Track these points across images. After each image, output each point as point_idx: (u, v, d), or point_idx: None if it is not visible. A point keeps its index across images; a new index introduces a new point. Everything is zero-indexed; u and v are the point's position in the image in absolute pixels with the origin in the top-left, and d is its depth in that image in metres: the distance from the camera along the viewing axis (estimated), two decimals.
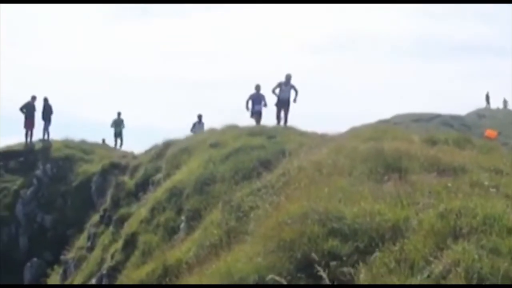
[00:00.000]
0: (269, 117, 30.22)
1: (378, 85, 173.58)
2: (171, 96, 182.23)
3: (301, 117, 29.84)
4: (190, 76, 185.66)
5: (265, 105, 30.44)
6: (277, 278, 9.46)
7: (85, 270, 25.01)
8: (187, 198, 19.26)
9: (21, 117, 38.87)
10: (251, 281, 9.80)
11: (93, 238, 27.62)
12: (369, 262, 9.27)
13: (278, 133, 23.21)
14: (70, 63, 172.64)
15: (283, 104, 29.53)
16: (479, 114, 72.95)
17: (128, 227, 22.08)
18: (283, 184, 14.68)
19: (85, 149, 40.16)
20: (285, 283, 9.45)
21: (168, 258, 15.83)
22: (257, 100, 30.44)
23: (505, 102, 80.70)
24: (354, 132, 20.86)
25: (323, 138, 20.99)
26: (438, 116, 65.33)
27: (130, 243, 20.60)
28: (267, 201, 14.05)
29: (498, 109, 78.97)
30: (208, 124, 34.05)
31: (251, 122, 29.12)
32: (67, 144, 40.08)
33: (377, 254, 9.33)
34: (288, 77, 29.59)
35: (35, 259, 32.34)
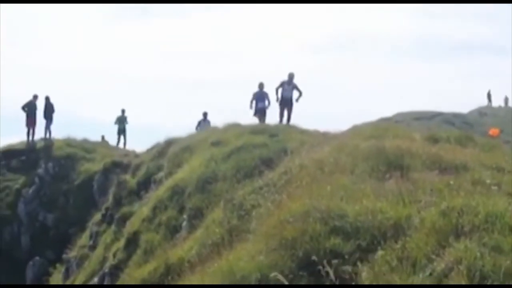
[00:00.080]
0: (272, 116, 30.23)
1: (379, 84, 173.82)
2: (172, 95, 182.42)
3: (302, 116, 29.90)
4: (191, 75, 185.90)
5: (269, 103, 30.39)
6: (280, 276, 9.46)
7: (87, 268, 25.02)
8: (189, 197, 19.26)
9: (23, 116, 38.90)
10: (253, 279, 9.81)
11: (95, 236, 27.62)
12: (371, 260, 9.27)
13: (280, 131, 23.20)
14: (70, 63, 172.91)
15: (286, 103, 29.47)
16: (481, 112, 72.93)
17: (130, 226, 22.08)
18: (285, 182, 14.68)
19: (87, 147, 40.15)
20: (286, 282, 9.46)
21: (170, 256, 15.84)
22: (260, 98, 30.39)
23: (506, 100, 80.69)
24: (356, 130, 20.84)
25: (325, 136, 20.98)
26: (439, 114, 65.26)
27: (132, 242, 20.61)
28: (269, 199, 14.05)
29: (499, 107, 78.96)
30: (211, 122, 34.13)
31: (253, 120, 29.06)
32: (69, 142, 40.07)
33: (379, 252, 9.34)
34: (291, 76, 29.53)
35: (37, 258, 32.35)
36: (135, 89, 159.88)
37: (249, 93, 30.64)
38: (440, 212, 9.64)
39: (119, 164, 34.11)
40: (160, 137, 30.63)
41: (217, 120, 34.06)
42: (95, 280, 22.62)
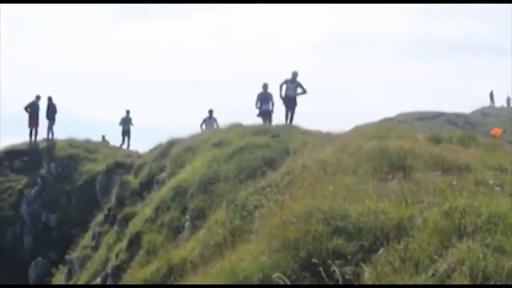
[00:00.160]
0: (276, 116, 30.21)
1: (381, 84, 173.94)
2: (173, 95, 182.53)
3: (304, 116, 29.78)
4: (191, 75, 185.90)
5: (273, 105, 30.29)
6: (282, 277, 9.46)
7: (90, 269, 25.03)
8: (192, 197, 19.27)
9: (25, 116, 38.94)
10: (255, 280, 9.81)
11: (97, 237, 27.64)
12: (373, 260, 9.27)
13: (282, 132, 23.18)
14: (71, 63, 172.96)
15: (289, 102, 29.41)
16: (484, 112, 72.95)
17: (133, 226, 22.08)
18: (288, 183, 14.68)
19: (90, 148, 40.19)
20: (288, 282, 9.46)
21: (173, 257, 15.84)
22: (264, 99, 30.29)
23: (508, 100, 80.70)
24: (359, 131, 20.84)
25: (328, 137, 20.98)
26: (442, 114, 65.30)
27: (134, 242, 20.62)
28: (271, 200, 14.05)
29: (502, 107, 78.96)
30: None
31: (256, 121, 29.01)
32: (71, 143, 40.11)
33: (381, 252, 9.33)
34: (295, 75, 29.46)
35: (39, 258, 32.38)
36: (135, 89, 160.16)
37: (250, 93, 30.89)
38: (442, 213, 9.63)
39: (121, 164, 34.11)
40: (160, 137, 30.71)
41: (218, 120, 34.20)
42: (97, 281, 22.63)
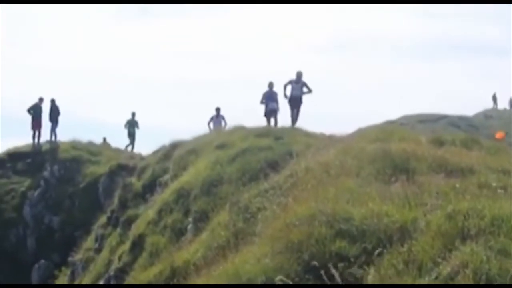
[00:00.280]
0: (282, 117, 30.14)
1: (383, 85, 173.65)
2: (175, 96, 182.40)
3: (306, 118, 29.66)
4: (192, 76, 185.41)
5: (278, 104, 30.14)
6: (285, 279, 9.47)
7: (93, 271, 25.04)
8: (195, 200, 19.27)
9: (28, 118, 38.99)
10: (258, 282, 9.80)
11: (100, 239, 27.64)
12: (377, 263, 9.27)
13: (286, 134, 23.18)
14: (72, 63, 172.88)
15: (294, 102, 29.29)
16: (486, 115, 72.87)
17: (136, 229, 22.09)
18: (291, 185, 14.68)
19: (93, 150, 40.23)
20: (290, 283, 9.46)
21: (176, 259, 15.84)
22: (270, 98, 30.13)
23: (511, 102, 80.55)
24: (361, 133, 20.84)
25: (331, 139, 20.98)
26: (445, 116, 65.21)
27: (137, 245, 20.62)
28: (274, 202, 14.05)
29: (505, 110, 78.85)
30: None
31: (261, 121, 28.92)
32: (74, 145, 40.15)
33: (385, 255, 9.34)
34: (299, 75, 29.27)
35: (42, 260, 32.40)
36: (136, 90, 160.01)
37: (250, 93, 30.84)
38: (446, 215, 9.63)
39: (124, 166, 34.15)
40: (162, 139, 30.68)
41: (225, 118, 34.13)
42: (100, 283, 22.63)
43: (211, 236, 15.30)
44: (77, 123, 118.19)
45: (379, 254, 9.46)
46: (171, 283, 14.98)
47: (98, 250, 26.93)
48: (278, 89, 30.11)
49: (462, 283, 7.98)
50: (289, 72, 29.68)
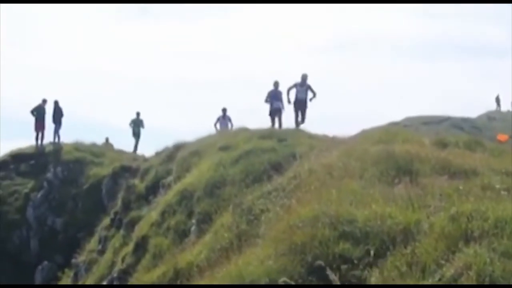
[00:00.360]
0: (286, 117, 30.08)
1: (385, 86, 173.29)
2: (175, 97, 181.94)
3: (309, 119, 29.56)
4: (193, 76, 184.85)
5: (283, 103, 30.01)
6: (289, 281, 9.47)
7: (96, 273, 25.04)
8: (198, 201, 19.27)
9: (32, 120, 39.01)
10: (262, 284, 9.82)
11: (104, 241, 27.65)
12: (380, 265, 9.27)
13: (289, 136, 23.17)
14: (71, 64, 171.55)
15: (299, 105, 29.17)
16: (490, 117, 72.68)
17: (139, 230, 22.09)
18: (294, 187, 14.68)
19: (96, 152, 40.18)
20: (292, 283, 9.48)
21: (179, 261, 15.83)
22: (275, 97, 29.99)
23: None
24: (365, 135, 20.85)
25: (334, 141, 20.97)
26: (448, 118, 65.07)
27: (141, 246, 20.63)
28: (278, 204, 14.06)
29: (508, 112, 78.68)
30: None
31: (262, 122, 28.84)
32: (77, 147, 40.11)
33: (388, 257, 9.34)
34: (304, 77, 29.11)
35: (46, 262, 32.39)
36: (136, 91, 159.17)
37: (251, 94, 30.65)
38: (449, 217, 9.64)
39: (127, 168, 34.13)
40: (165, 140, 30.64)
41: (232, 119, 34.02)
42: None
43: (215, 238, 15.30)
44: (78, 123, 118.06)
45: (383, 256, 9.46)
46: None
47: (101, 252, 26.95)
48: (282, 89, 30.07)
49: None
50: (289, 73, 29.94)
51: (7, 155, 40.40)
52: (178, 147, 28.45)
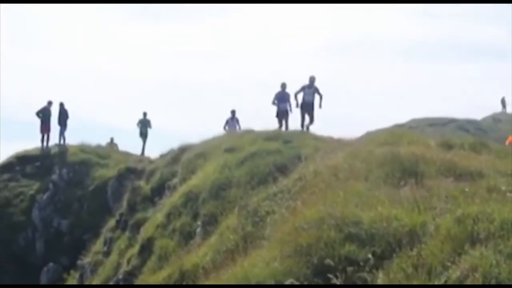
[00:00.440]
0: (292, 119, 30.03)
1: (389, 88, 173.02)
2: (176, 98, 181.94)
3: (314, 121, 29.48)
4: (194, 77, 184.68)
5: (290, 105, 29.92)
6: (295, 282, 9.48)
7: (102, 275, 25.06)
8: (203, 203, 19.28)
9: (37, 121, 39.07)
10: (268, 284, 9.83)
11: (109, 243, 27.68)
12: (386, 267, 9.27)
13: (294, 137, 23.17)
14: (72, 64, 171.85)
15: (307, 108, 29.07)
16: (495, 119, 72.60)
17: (144, 232, 22.12)
18: (299, 188, 14.69)
19: (101, 153, 40.22)
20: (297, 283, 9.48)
21: (185, 263, 15.86)
22: (282, 99, 29.91)
23: None
24: (370, 137, 20.86)
25: (339, 143, 20.96)
26: (453, 120, 65.02)
27: (146, 248, 20.65)
28: (283, 206, 14.06)
29: None
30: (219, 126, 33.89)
31: (267, 124, 28.79)
32: (83, 148, 40.16)
33: (394, 259, 9.33)
34: (312, 79, 28.96)
35: (51, 263, 32.42)
36: (137, 92, 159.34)
37: (250, 95, 30.52)
38: (455, 219, 9.62)
39: (133, 170, 34.14)
40: (166, 140, 30.65)
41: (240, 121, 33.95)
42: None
43: (220, 240, 15.31)
44: (82, 125, 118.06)
45: (388, 258, 9.46)
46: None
47: (107, 254, 26.97)
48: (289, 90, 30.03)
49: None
50: (289, 73, 29.78)
51: (12, 156, 40.48)
52: (183, 149, 28.48)
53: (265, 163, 19.34)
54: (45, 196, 36.53)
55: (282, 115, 29.74)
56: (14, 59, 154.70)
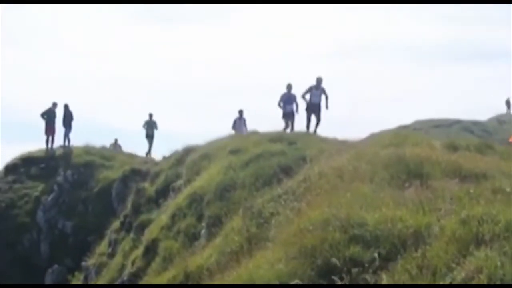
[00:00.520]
0: (299, 121, 29.95)
1: (392, 89, 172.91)
2: (177, 99, 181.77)
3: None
4: (195, 78, 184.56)
5: (297, 106, 29.78)
6: (300, 283, 9.48)
7: (106, 276, 25.07)
8: (208, 205, 19.28)
9: (42, 123, 39.09)
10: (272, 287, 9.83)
11: (114, 244, 27.69)
12: (391, 268, 9.26)
13: (299, 139, 23.17)
14: (72, 65, 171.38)
15: (314, 109, 28.91)
16: (500, 120, 72.51)
17: (149, 234, 22.13)
18: (304, 190, 14.67)
19: (106, 155, 40.25)
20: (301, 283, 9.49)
21: (189, 264, 15.84)
22: (288, 100, 29.79)
23: None
24: (375, 138, 20.86)
25: (344, 144, 20.96)
26: (458, 122, 64.98)
27: (151, 250, 20.65)
28: (288, 207, 14.06)
29: None
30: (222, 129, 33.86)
31: (272, 126, 28.75)
32: (87, 150, 40.17)
33: (399, 260, 9.33)
34: (319, 81, 28.74)
35: (56, 265, 32.44)
36: (138, 93, 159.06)
37: (258, 99, 30.54)
38: (460, 221, 9.62)
39: (137, 171, 34.16)
40: (174, 144, 30.60)
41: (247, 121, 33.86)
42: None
43: (225, 241, 15.30)
44: (84, 126, 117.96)
45: (393, 259, 9.46)
46: None
47: (111, 255, 26.98)
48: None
49: None
50: (291, 74, 29.60)
51: (17, 158, 40.50)
52: (188, 150, 28.48)
53: (269, 164, 19.33)
54: (49, 198, 36.57)
55: (288, 116, 29.66)
56: (14, 59, 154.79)
